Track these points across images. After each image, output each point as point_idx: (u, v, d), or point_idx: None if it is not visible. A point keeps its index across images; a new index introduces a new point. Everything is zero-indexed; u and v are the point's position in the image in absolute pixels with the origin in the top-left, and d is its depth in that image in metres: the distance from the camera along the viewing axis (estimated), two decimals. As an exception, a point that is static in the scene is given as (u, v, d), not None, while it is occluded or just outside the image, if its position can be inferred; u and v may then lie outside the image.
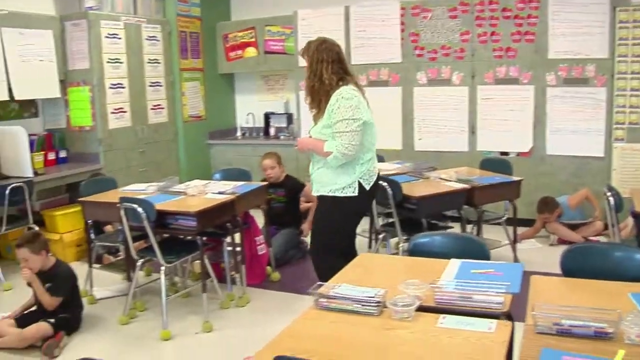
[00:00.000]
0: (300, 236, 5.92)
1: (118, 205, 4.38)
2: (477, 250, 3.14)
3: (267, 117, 8.23)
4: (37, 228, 5.81)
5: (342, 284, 2.60)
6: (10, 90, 5.92)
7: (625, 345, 2.04)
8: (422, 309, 2.39)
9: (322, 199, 4.02)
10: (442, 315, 2.36)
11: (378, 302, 2.41)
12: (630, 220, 5.03)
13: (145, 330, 4.44)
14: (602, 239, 5.99)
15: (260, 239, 5.22)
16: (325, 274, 4.02)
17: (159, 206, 4.31)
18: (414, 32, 6.81)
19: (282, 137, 7.97)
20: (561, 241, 6.09)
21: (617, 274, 2.78)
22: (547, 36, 6.33)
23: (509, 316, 2.40)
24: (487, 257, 3.11)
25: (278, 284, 5.26)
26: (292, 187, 5.91)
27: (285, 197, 5.89)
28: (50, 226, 6.19)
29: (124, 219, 4.37)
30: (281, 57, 7.89)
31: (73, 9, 6.74)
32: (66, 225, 6.09)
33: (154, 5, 7.43)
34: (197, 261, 4.86)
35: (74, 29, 6.47)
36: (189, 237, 4.56)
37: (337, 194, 3.92)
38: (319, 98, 3.91)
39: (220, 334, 4.32)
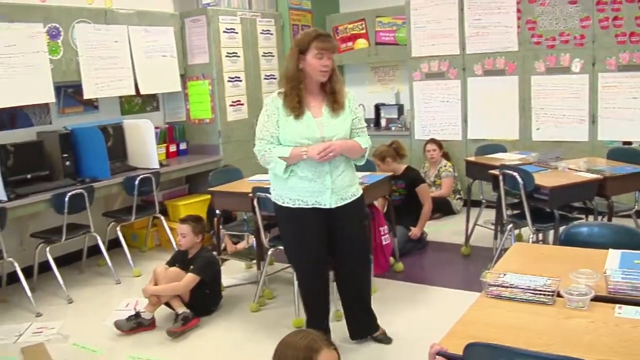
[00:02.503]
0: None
1: (250, 194, 4.50)
2: (634, 241, 3.06)
3: (378, 108, 8.22)
4: (162, 217, 6.07)
5: (507, 273, 2.59)
6: (136, 85, 6.16)
7: None
8: (593, 298, 2.35)
9: (358, 201, 3.78)
10: (617, 305, 2.32)
11: (552, 291, 2.39)
12: None
13: (276, 317, 4.55)
14: None
15: (384, 229, 5.24)
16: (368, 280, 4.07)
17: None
18: (530, 20, 6.65)
19: (393, 128, 7.96)
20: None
21: None
22: (676, 19, 6.06)
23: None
24: (646, 248, 3.03)
25: (402, 274, 5.27)
26: (413, 180, 5.89)
27: (405, 189, 5.89)
28: (173, 215, 6.42)
29: (257, 209, 4.48)
30: (392, 48, 7.87)
31: (191, 6, 6.96)
32: (188, 214, 6.29)
33: (267, -1, 7.58)
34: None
35: (193, 25, 6.67)
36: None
37: (360, 191, 3.84)
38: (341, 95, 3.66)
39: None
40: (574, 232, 3.21)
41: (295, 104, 3.50)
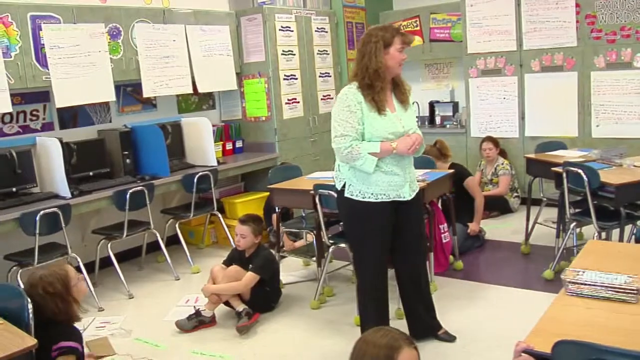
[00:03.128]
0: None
1: (311, 192, 4.51)
2: None
3: (432, 105, 8.17)
4: (219, 215, 6.14)
5: (585, 271, 2.55)
6: (193, 83, 6.24)
7: None
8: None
9: (420, 194, 3.85)
10: None
11: (636, 289, 2.34)
12: None
13: (337, 315, 4.55)
14: None
15: (444, 227, 5.21)
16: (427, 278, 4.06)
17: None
18: (590, 14, 6.51)
19: (448, 125, 7.90)
20: None
21: None
22: None
23: None
24: None
25: (462, 272, 5.22)
26: (460, 176, 5.77)
27: (453, 186, 5.82)
28: (230, 213, 6.48)
29: (319, 206, 4.49)
30: (447, 45, 7.81)
31: (246, 5, 7.01)
32: (245, 212, 6.30)
33: (322, -3, 7.60)
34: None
35: (248, 24, 6.72)
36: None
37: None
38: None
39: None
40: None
41: (382, 98, 3.49)
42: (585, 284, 2.43)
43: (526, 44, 6.91)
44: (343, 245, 4.62)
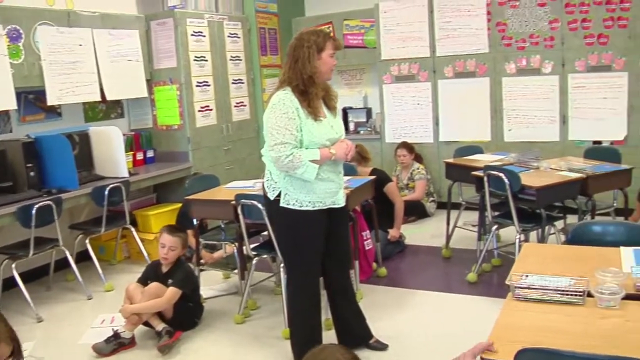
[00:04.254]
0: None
1: (233, 202, 4.34)
2: (642, 238, 3.05)
3: (345, 112, 8.15)
4: (132, 229, 5.85)
5: (528, 275, 2.52)
6: (101, 91, 5.93)
7: None
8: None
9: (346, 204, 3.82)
10: (648, 302, 2.30)
11: (582, 290, 2.33)
12: None
13: (263, 329, 4.39)
14: None
15: (366, 234, 5.16)
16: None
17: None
18: (501, 22, 6.68)
19: (362, 131, 7.90)
20: (662, 230, 5.93)
21: None
22: (642, 21, 6.17)
23: None
24: (656, 245, 3.02)
25: (386, 279, 5.19)
26: (380, 181, 5.74)
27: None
28: (143, 226, 6.21)
29: (241, 216, 4.33)
30: (360, 51, 7.80)
31: (156, 9, 6.75)
32: (159, 225, 6.01)
33: (233, 1, 7.41)
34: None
35: (159, 28, 6.47)
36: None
37: None
38: None
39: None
40: (580, 231, 3.18)
41: (317, 104, 3.42)
42: (532, 288, 2.40)
43: (439, 50, 7.01)
44: (266, 256, 4.50)
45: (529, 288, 2.41)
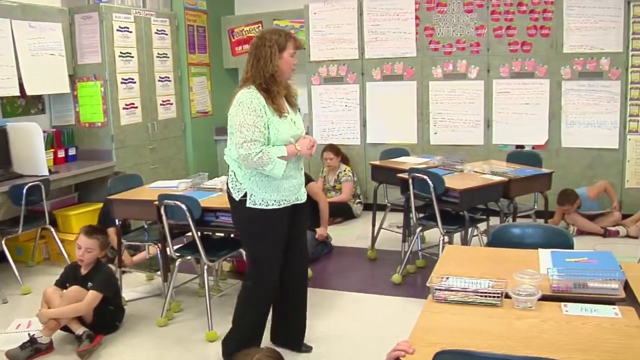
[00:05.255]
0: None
1: (156, 202, 4.25)
2: (561, 240, 3.13)
3: (274, 112, 8.11)
4: (52, 229, 5.66)
5: (449, 277, 2.55)
6: (20, 85, 5.71)
7: None
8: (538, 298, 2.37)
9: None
10: (563, 303, 2.36)
11: (500, 292, 2.37)
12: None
13: (187, 331, 4.32)
14: (620, 229, 6.07)
15: (293, 235, 5.13)
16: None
17: (202, 203, 4.19)
18: (429, 27, 6.78)
19: (289, 132, 7.88)
20: (580, 232, 6.17)
21: None
22: (563, 30, 6.39)
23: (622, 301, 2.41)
24: (572, 246, 3.11)
25: (312, 280, 5.14)
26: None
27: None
28: (64, 226, 6.02)
29: (164, 217, 4.24)
30: (289, 52, 7.77)
31: (80, 2, 6.54)
32: (80, 225, 5.79)
33: (161, -3, 7.29)
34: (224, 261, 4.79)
35: (83, 22, 6.27)
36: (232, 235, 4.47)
37: None
38: None
39: (266, 333, 4.15)
40: (500, 233, 3.25)
41: (280, 102, 3.44)
42: (452, 290, 2.43)
43: (368, 52, 7.06)
44: (190, 257, 4.43)
45: (448, 290, 2.43)
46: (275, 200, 3.47)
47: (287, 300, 3.86)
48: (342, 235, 6.37)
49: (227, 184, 3.61)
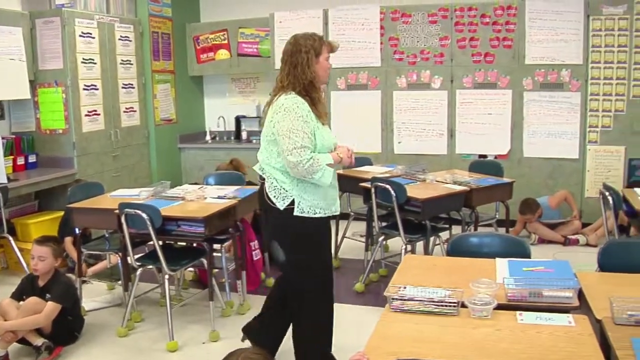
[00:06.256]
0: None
1: (116, 211, 4.19)
2: (518, 249, 3.17)
3: (238, 120, 8.09)
4: (10, 238, 5.55)
5: (407, 286, 2.56)
6: (-21, 90, 5.62)
7: None
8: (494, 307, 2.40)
9: None
10: (518, 312, 2.38)
11: (457, 301, 2.39)
12: (603, 220, 5.15)
13: (148, 341, 4.27)
14: (580, 237, 6.17)
15: (254, 244, 5.12)
16: None
17: (163, 212, 4.14)
18: (393, 37, 6.84)
19: (254, 141, 7.85)
20: (541, 240, 6.25)
21: None
22: (525, 42, 6.49)
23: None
24: (529, 256, 3.14)
25: (275, 290, 5.15)
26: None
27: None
28: (23, 235, 5.90)
29: (124, 226, 4.18)
30: (254, 60, 7.77)
31: (43, 6, 6.45)
32: (40, 234, 5.76)
33: (126, 3, 7.18)
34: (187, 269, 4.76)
35: (45, 27, 6.18)
36: (194, 244, 4.44)
37: None
38: None
39: (228, 342, 4.16)
40: (459, 242, 3.27)
41: (320, 109, 3.37)
42: (409, 300, 2.44)
43: (333, 62, 6.99)
44: (151, 267, 4.38)
45: (405, 299, 2.44)
46: (321, 208, 3.36)
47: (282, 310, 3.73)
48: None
49: (264, 193, 3.40)
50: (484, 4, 6.56)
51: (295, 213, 3.32)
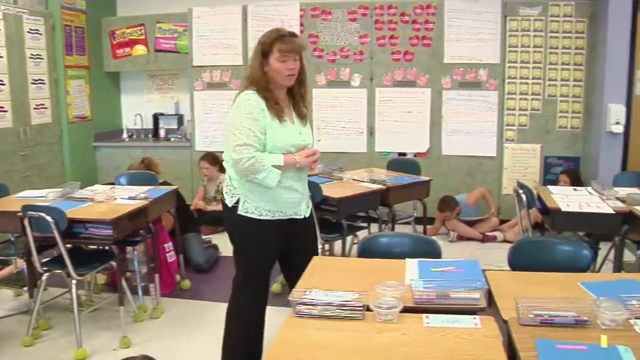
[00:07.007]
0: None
1: (19, 214, 3.98)
2: (429, 249, 3.16)
3: (156, 118, 7.88)
4: None
5: (312, 290, 2.50)
6: None
7: (602, 330, 2.17)
8: (401, 310, 2.35)
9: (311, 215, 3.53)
10: (424, 315, 2.35)
11: (362, 305, 2.34)
12: (518, 218, 5.25)
13: (55, 350, 4.06)
14: (498, 234, 6.27)
15: (169, 246, 4.98)
16: None
17: (69, 214, 3.96)
18: (313, 34, 6.79)
19: (172, 139, 7.67)
20: (460, 237, 6.32)
21: (557, 266, 2.95)
22: (443, 41, 6.56)
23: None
24: (439, 256, 3.13)
25: (190, 292, 5.03)
26: None
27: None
28: None
29: (28, 229, 3.98)
30: (172, 56, 7.57)
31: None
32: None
33: (35, -5, 6.89)
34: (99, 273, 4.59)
35: (-55, 19, 5.87)
36: (103, 247, 4.27)
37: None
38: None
39: (141, 348, 4.03)
40: (370, 243, 3.24)
41: (279, 108, 3.14)
42: (313, 304, 2.37)
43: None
44: (59, 271, 4.18)
45: (310, 304, 2.38)
46: (269, 211, 3.22)
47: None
48: (226, 244, 6.19)
49: (222, 188, 3.35)
50: (404, 3, 6.59)
51: (239, 212, 3.23)
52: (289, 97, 3.28)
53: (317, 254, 3.60)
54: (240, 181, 3.20)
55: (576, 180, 5.82)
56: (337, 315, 2.33)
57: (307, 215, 3.40)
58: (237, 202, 3.23)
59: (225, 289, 5.05)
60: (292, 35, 3.17)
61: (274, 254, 3.42)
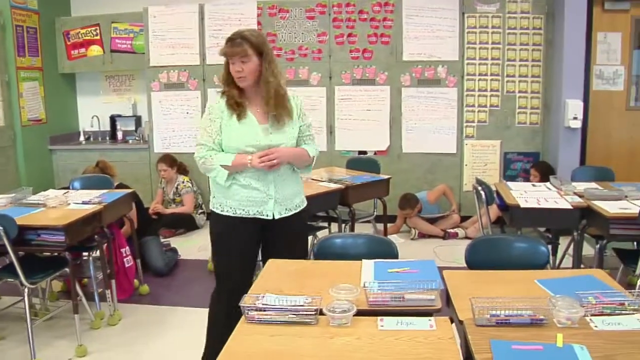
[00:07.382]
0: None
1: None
2: (385, 249, 3.13)
3: (113, 120, 7.74)
4: None
5: (265, 294, 2.44)
6: None
7: (558, 328, 2.16)
8: (356, 313, 2.30)
9: (302, 213, 3.48)
10: (379, 318, 2.31)
11: (315, 310, 2.29)
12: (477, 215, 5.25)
13: (8, 362, 3.97)
14: (459, 230, 6.29)
15: (126, 250, 4.87)
16: None
17: (19, 220, 3.85)
18: (271, 32, 6.72)
19: (130, 141, 7.54)
20: (421, 235, 6.33)
21: (514, 263, 2.96)
22: (402, 39, 6.56)
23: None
24: (396, 256, 3.11)
25: (148, 297, 4.94)
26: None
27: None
28: None
29: (-22, 234, 3.86)
30: (129, 56, 7.43)
31: None
32: None
33: (-17, -6, 6.69)
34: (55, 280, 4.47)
35: None
36: (56, 253, 4.15)
37: (305, 203, 3.55)
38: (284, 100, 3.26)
39: (97, 356, 3.94)
40: (325, 244, 3.20)
41: (234, 103, 3.17)
42: (264, 310, 2.32)
43: (209, 58, 6.90)
44: (11, 280, 4.06)
45: (261, 310, 2.32)
46: (230, 207, 3.26)
47: None
48: (184, 246, 6.14)
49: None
50: (362, 0, 6.56)
51: (211, 207, 3.38)
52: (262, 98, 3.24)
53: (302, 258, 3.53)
54: (211, 179, 3.32)
55: (547, 174, 5.76)
56: (289, 320, 2.29)
57: (276, 217, 3.30)
58: (214, 197, 3.39)
59: (185, 293, 5.03)
60: (237, 37, 3.12)
61: (242, 255, 3.36)
